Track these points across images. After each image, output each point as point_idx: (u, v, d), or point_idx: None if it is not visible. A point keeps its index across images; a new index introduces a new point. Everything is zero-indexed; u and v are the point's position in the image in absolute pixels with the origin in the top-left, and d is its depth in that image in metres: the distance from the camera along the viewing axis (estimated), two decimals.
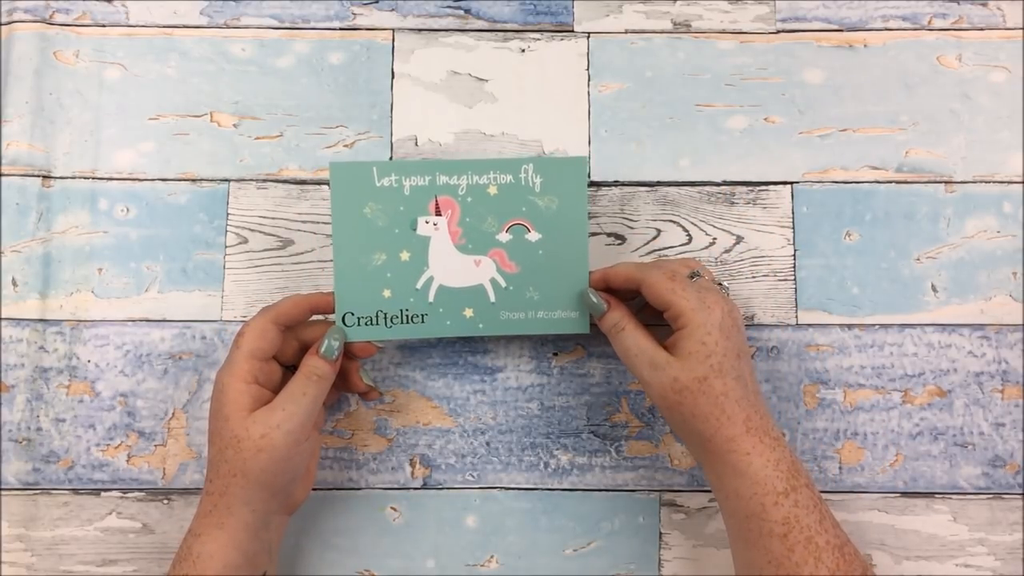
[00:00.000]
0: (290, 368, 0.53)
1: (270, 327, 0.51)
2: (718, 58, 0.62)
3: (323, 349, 0.51)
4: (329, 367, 0.51)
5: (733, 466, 0.47)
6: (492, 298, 0.55)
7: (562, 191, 0.54)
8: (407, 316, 0.54)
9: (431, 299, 0.54)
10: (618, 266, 0.53)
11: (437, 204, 0.54)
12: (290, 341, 0.53)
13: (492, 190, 0.54)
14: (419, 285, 0.54)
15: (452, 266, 0.54)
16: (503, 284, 0.54)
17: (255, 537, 0.49)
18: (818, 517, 0.47)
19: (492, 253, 0.54)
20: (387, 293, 0.54)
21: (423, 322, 0.54)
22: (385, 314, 0.54)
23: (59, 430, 0.58)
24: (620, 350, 0.51)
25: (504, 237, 0.54)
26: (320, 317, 0.55)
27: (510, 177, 0.54)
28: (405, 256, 0.54)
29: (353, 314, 0.54)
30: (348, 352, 0.54)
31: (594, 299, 0.53)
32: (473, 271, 0.54)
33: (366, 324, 0.54)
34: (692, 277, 0.51)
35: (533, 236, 0.54)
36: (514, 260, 0.54)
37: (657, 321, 0.51)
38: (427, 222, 0.54)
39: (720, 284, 0.52)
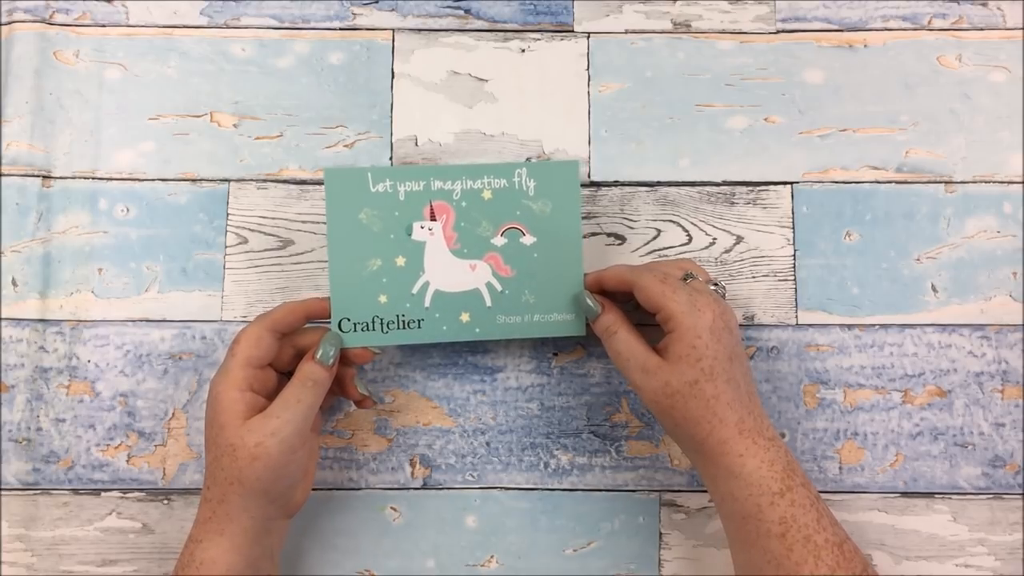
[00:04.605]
0: (286, 375, 0.53)
1: (266, 334, 0.50)
2: (718, 58, 0.62)
3: (319, 355, 0.51)
4: (325, 373, 0.51)
5: (727, 468, 0.47)
6: (488, 302, 0.54)
7: (555, 195, 0.54)
8: (403, 322, 0.54)
9: (427, 304, 0.54)
10: (612, 268, 0.53)
11: (432, 209, 0.54)
12: (286, 348, 0.53)
13: (486, 195, 0.54)
14: (415, 290, 0.54)
15: (448, 271, 0.54)
16: (499, 288, 0.54)
17: (256, 543, 0.49)
18: (815, 516, 0.47)
19: (487, 257, 0.54)
20: (383, 299, 0.54)
21: (419, 327, 0.54)
22: (381, 320, 0.54)
23: (59, 430, 0.58)
24: (612, 353, 0.51)
25: (499, 241, 0.54)
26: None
27: (504, 182, 0.54)
28: (401, 261, 0.54)
29: (349, 320, 0.54)
30: (345, 358, 0.53)
31: (589, 302, 0.53)
32: (469, 275, 0.54)
33: (362, 330, 0.54)
34: (686, 279, 0.51)
35: (528, 240, 0.54)
36: (509, 264, 0.54)
37: (653, 320, 0.51)
38: (422, 227, 0.54)
39: (716, 285, 0.52)
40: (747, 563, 0.48)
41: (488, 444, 0.59)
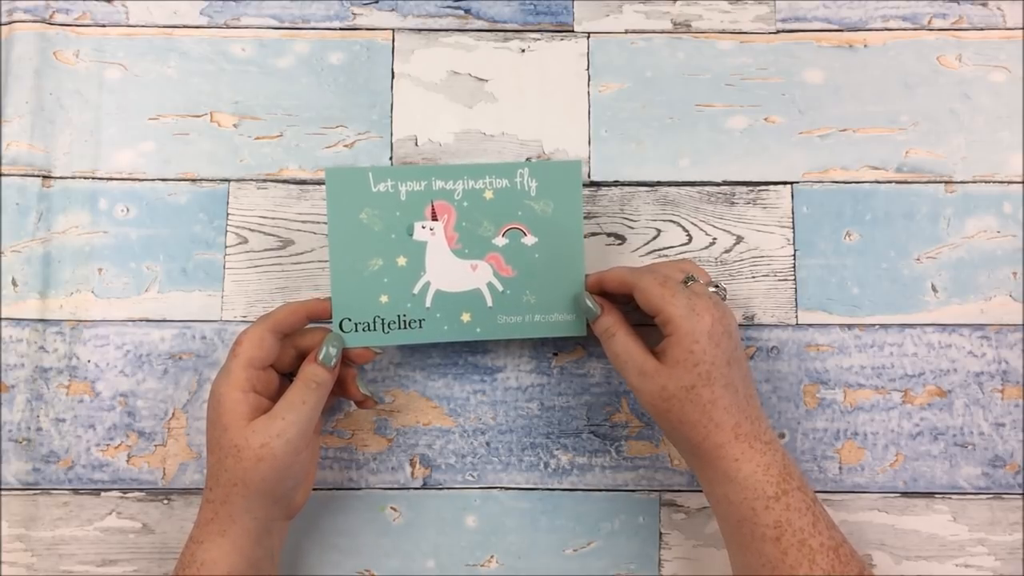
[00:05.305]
0: (287, 376, 0.53)
1: (267, 336, 0.50)
2: (718, 58, 0.62)
3: (321, 356, 0.51)
4: (328, 374, 0.51)
5: (723, 472, 0.47)
6: (489, 302, 0.54)
7: (557, 195, 0.54)
8: (404, 322, 0.54)
9: (428, 304, 0.54)
10: (613, 270, 0.53)
11: (433, 209, 0.54)
12: (287, 349, 0.53)
13: (488, 195, 0.54)
14: (416, 290, 0.54)
15: (449, 271, 0.54)
16: (500, 288, 0.54)
17: (258, 544, 0.49)
18: (811, 519, 0.47)
19: (489, 257, 0.54)
20: (384, 299, 0.54)
21: (420, 327, 0.54)
22: (382, 320, 0.54)
23: (59, 430, 0.58)
24: (610, 355, 0.51)
25: (500, 241, 0.54)
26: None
27: (506, 181, 0.54)
28: (402, 261, 0.54)
29: (350, 320, 0.54)
30: (346, 358, 0.54)
31: (588, 303, 0.53)
32: (470, 276, 0.54)
33: (363, 330, 0.54)
34: (686, 282, 0.51)
35: (529, 240, 0.54)
36: (511, 264, 0.54)
37: (653, 320, 0.51)
38: (423, 227, 0.54)
39: (716, 287, 0.52)
40: (743, 566, 0.48)
41: (488, 444, 0.59)
